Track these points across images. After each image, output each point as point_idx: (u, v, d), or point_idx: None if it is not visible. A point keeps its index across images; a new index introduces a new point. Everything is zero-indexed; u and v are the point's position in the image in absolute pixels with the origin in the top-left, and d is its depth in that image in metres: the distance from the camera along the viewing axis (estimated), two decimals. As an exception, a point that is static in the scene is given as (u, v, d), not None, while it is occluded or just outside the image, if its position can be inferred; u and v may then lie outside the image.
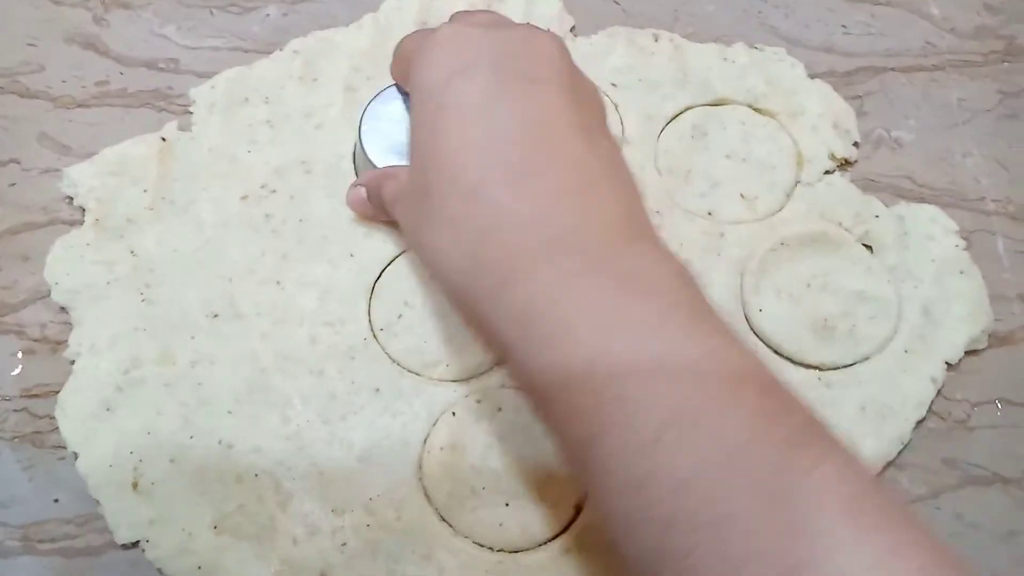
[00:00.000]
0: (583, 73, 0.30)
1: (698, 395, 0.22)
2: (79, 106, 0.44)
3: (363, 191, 0.35)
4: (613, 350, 0.23)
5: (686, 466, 0.21)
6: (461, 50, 0.28)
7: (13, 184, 0.42)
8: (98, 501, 0.36)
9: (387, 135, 0.37)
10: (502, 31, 0.29)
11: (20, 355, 0.39)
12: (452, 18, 0.33)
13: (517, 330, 0.25)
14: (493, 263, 0.25)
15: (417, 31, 0.32)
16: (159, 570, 0.35)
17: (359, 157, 0.39)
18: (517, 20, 0.45)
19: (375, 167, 0.37)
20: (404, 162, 0.33)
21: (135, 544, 0.35)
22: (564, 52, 0.29)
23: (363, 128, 0.38)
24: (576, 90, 0.28)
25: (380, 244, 0.40)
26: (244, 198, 0.41)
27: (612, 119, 0.43)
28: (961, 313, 0.40)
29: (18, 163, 0.43)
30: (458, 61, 0.28)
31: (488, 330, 0.26)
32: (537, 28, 0.30)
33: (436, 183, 0.27)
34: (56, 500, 0.36)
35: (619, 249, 0.25)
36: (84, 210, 0.41)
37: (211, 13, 0.47)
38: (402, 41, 0.33)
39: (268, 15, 0.46)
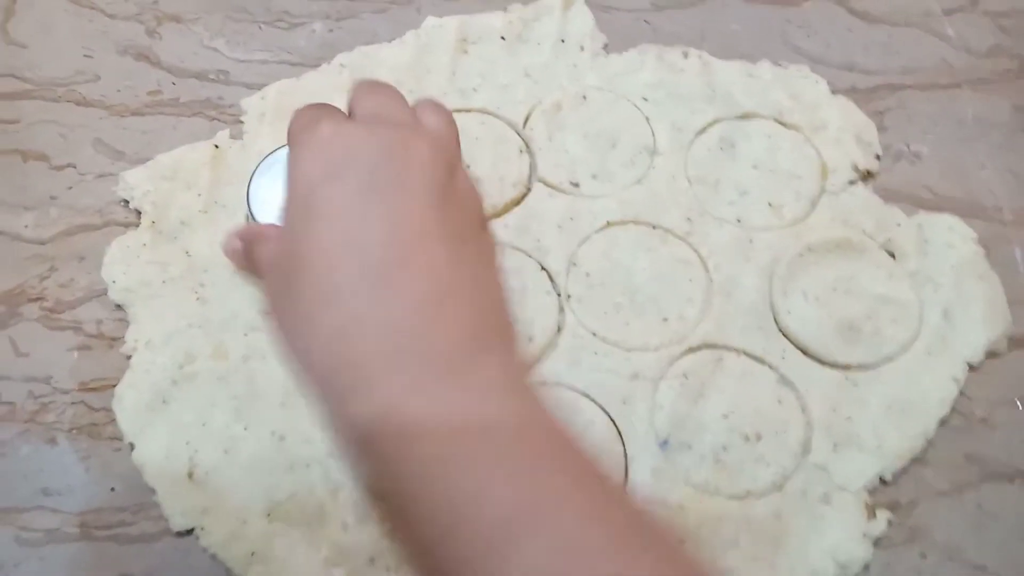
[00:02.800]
0: (463, 172, 0.30)
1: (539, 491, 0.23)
2: (133, 114, 0.46)
3: (238, 242, 0.33)
4: (456, 452, 0.24)
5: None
6: (337, 152, 0.28)
7: (70, 187, 0.44)
8: (153, 490, 0.37)
9: (274, 194, 0.36)
10: (381, 133, 0.28)
11: (76, 351, 0.40)
12: (353, 89, 0.32)
13: (364, 434, 0.25)
14: (345, 365, 0.25)
15: (309, 109, 0.30)
16: (213, 556, 0.36)
17: (248, 208, 0.39)
18: (551, 39, 0.48)
19: (256, 221, 0.38)
20: (277, 214, 0.32)
21: (189, 531, 0.37)
22: (438, 156, 0.28)
23: (252, 183, 0.39)
24: (447, 195, 0.28)
25: (424, 247, 0.42)
26: (294, 202, 0.43)
27: (643, 131, 0.46)
28: (980, 317, 0.41)
29: (74, 167, 0.45)
30: (332, 164, 0.27)
31: (337, 428, 0.26)
32: (418, 129, 0.30)
33: (298, 282, 0.27)
34: (112, 489, 0.38)
35: (464, 360, 0.25)
36: (139, 213, 0.43)
37: (259, 28, 0.49)
38: (295, 115, 0.31)
39: (314, 31, 0.49)
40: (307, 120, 0.30)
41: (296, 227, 0.28)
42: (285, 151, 0.35)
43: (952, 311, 0.41)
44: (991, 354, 0.41)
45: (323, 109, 0.30)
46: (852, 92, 0.48)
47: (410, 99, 0.45)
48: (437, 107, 0.31)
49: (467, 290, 0.27)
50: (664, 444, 0.38)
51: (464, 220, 0.29)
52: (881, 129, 0.47)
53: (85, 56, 0.48)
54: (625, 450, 0.38)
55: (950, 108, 0.48)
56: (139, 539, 0.37)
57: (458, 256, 0.27)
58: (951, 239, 0.43)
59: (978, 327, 0.41)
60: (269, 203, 0.37)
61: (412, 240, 0.26)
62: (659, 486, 0.37)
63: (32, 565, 0.36)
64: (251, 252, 0.33)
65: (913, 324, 0.41)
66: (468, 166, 0.44)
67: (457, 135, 0.31)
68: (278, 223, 0.30)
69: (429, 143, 0.29)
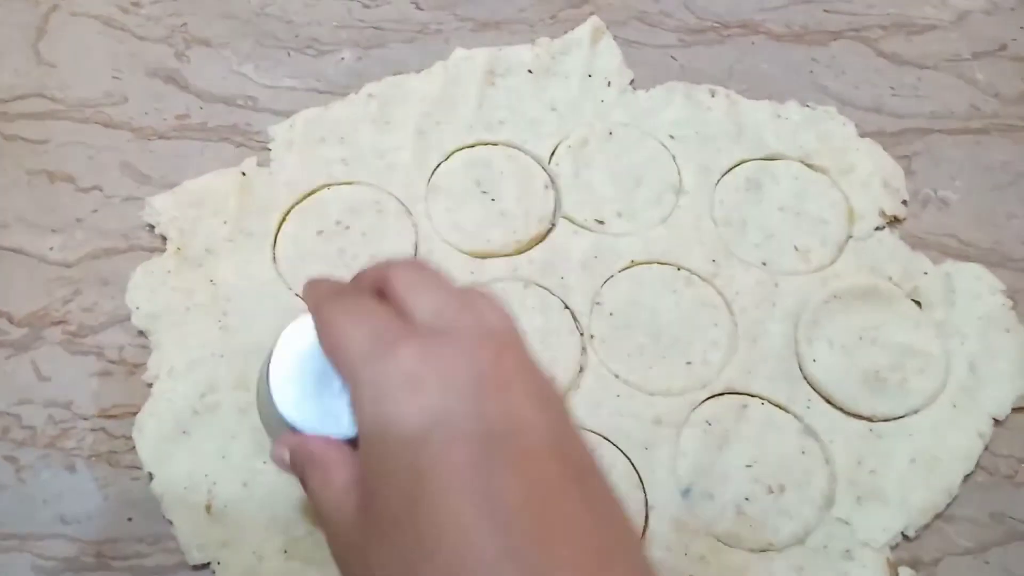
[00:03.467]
0: (569, 410, 0.26)
1: None
2: (160, 138, 0.46)
3: (287, 456, 0.28)
4: None
5: None
6: (430, 392, 0.23)
7: (96, 210, 0.44)
8: (171, 521, 0.37)
9: (299, 380, 0.28)
10: (474, 353, 0.24)
11: (97, 377, 0.40)
12: (398, 291, 0.26)
13: None
14: None
15: (354, 310, 0.25)
16: (228, 592, 0.36)
17: (263, 399, 0.30)
18: (579, 74, 0.48)
19: (283, 419, 0.28)
20: (317, 416, 0.27)
21: (206, 565, 0.37)
22: (531, 365, 0.25)
23: (272, 370, 0.29)
24: (566, 442, 0.24)
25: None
26: (319, 233, 0.43)
27: (669, 170, 0.45)
28: (1007, 370, 0.41)
29: (100, 190, 0.45)
30: (428, 411, 0.23)
31: None
32: (499, 336, 0.25)
33: (416, 561, 0.22)
34: (130, 519, 0.38)
35: None
36: (164, 238, 0.43)
37: (288, 55, 0.49)
38: (322, 309, 0.26)
39: (343, 59, 0.49)
40: (368, 333, 0.24)
41: (401, 491, 0.23)
42: (301, 322, 0.29)
43: (978, 364, 0.41)
44: (1018, 409, 0.41)
45: (374, 313, 0.25)
46: (880, 135, 0.47)
47: (436, 131, 0.45)
48: (490, 301, 0.26)
49: (625, 551, 0.23)
50: (686, 493, 0.38)
51: (582, 460, 0.25)
52: (908, 174, 0.46)
53: (114, 77, 0.48)
54: (646, 497, 0.38)
55: (979, 154, 0.48)
56: (155, 571, 0.37)
57: (592, 493, 0.24)
58: (978, 289, 0.43)
59: (1004, 381, 0.41)
60: (298, 396, 0.28)
61: (551, 493, 0.23)
62: (680, 536, 0.37)
63: (48, 595, 0.36)
64: (305, 477, 0.27)
65: (939, 376, 0.41)
66: (493, 200, 0.44)
67: (517, 325, 0.26)
68: (314, 417, 0.26)
69: (519, 350, 0.25)
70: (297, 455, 0.27)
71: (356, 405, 0.25)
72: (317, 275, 0.30)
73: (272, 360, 0.29)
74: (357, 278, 0.29)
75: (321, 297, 0.27)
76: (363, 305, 0.26)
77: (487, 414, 0.23)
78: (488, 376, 0.24)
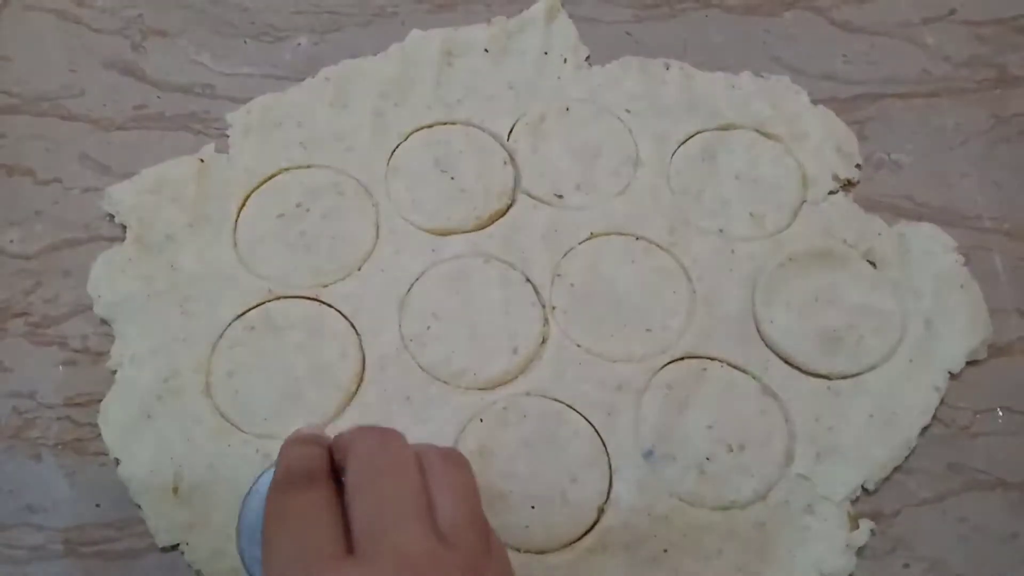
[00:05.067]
0: None
1: None
2: (118, 128, 0.46)
3: None
4: None
5: None
6: None
7: (56, 202, 0.44)
8: (139, 506, 0.37)
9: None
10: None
11: (61, 366, 0.40)
12: (363, 526, 0.25)
13: None
14: None
15: (301, 499, 0.26)
16: (197, 572, 0.36)
17: (238, 544, 0.30)
18: (535, 52, 0.48)
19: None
20: None
21: (174, 547, 0.37)
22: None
23: (244, 517, 0.30)
24: None
25: (409, 260, 0.42)
26: (280, 216, 0.43)
27: (626, 143, 0.46)
28: (961, 325, 0.42)
29: (60, 182, 0.45)
30: None
31: None
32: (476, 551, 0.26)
33: None
34: (97, 505, 0.38)
35: None
36: (125, 227, 0.43)
37: (244, 42, 0.49)
38: (274, 495, 0.27)
39: (299, 44, 0.49)
40: (294, 551, 0.25)
41: None
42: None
43: (933, 320, 0.42)
44: (972, 363, 0.42)
45: (313, 526, 0.25)
46: (832, 102, 0.48)
47: (395, 112, 0.46)
48: (451, 491, 0.27)
49: None
50: (649, 455, 0.38)
51: None
52: (862, 139, 0.47)
53: (71, 71, 0.48)
54: (610, 461, 0.38)
55: (930, 117, 0.48)
56: (125, 555, 0.37)
57: None
58: (932, 248, 0.44)
59: (959, 336, 0.41)
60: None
61: None
62: (644, 497, 0.37)
63: (16, 583, 0.36)
64: None
65: (895, 334, 0.41)
66: (453, 178, 0.44)
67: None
68: None
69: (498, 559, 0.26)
70: None
71: None
72: (305, 429, 0.30)
73: (242, 512, 0.30)
74: (334, 444, 0.29)
75: (283, 476, 0.27)
76: (310, 509, 0.26)
77: None
78: None
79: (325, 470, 0.27)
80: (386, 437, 0.27)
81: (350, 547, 0.25)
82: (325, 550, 0.25)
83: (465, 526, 0.26)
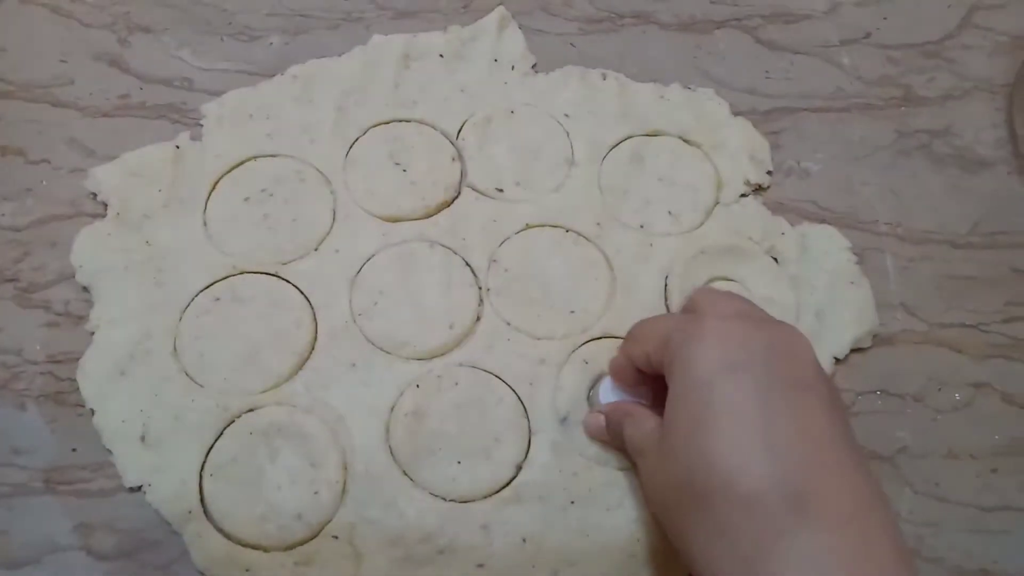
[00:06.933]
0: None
1: None
2: (103, 116, 0.51)
3: (603, 420, 0.38)
4: None
5: None
6: (729, 346, 0.29)
7: (44, 181, 0.49)
8: (110, 451, 0.42)
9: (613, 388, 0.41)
10: (766, 330, 0.30)
11: (46, 327, 0.45)
12: (701, 301, 0.34)
13: None
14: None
15: (658, 321, 0.36)
16: (156, 511, 0.41)
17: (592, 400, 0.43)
18: (486, 58, 0.53)
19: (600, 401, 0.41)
20: (628, 398, 0.39)
21: (140, 488, 0.42)
22: (816, 357, 0.31)
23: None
24: (835, 399, 0.29)
25: (362, 242, 0.47)
26: (246, 200, 0.48)
27: (563, 144, 0.51)
28: (849, 317, 0.47)
29: (49, 163, 0.49)
30: (726, 358, 0.29)
31: None
32: (794, 329, 0.32)
33: (704, 482, 0.27)
34: (74, 449, 0.43)
35: None
36: (106, 205, 0.47)
37: (221, 40, 0.54)
38: (638, 325, 0.36)
39: (272, 44, 0.54)
40: (671, 322, 0.34)
41: (693, 425, 0.29)
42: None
43: (824, 311, 0.47)
44: (857, 350, 0.47)
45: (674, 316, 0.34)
46: (752, 114, 0.53)
47: (355, 108, 0.50)
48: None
49: (882, 507, 0.27)
50: (564, 420, 0.44)
51: (847, 425, 0.30)
52: (776, 147, 0.52)
53: (61, 61, 0.52)
54: (530, 425, 0.43)
55: (840, 130, 0.54)
56: (96, 494, 0.42)
57: (863, 467, 0.28)
58: (828, 247, 0.49)
59: (846, 326, 0.47)
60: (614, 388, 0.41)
61: (824, 449, 0.27)
62: (557, 457, 0.43)
63: (1, 515, 0.41)
64: (619, 430, 0.36)
65: (790, 321, 0.46)
66: (405, 171, 0.49)
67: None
68: (630, 399, 0.36)
69: (808, 343, 0.31)
70: (613, 414, 0.37)
71: (669, 350, 0.32)
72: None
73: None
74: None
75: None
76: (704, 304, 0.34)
77: (775, 370, 0.29)
78: (778, 346, 0.30)
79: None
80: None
81: None
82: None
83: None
